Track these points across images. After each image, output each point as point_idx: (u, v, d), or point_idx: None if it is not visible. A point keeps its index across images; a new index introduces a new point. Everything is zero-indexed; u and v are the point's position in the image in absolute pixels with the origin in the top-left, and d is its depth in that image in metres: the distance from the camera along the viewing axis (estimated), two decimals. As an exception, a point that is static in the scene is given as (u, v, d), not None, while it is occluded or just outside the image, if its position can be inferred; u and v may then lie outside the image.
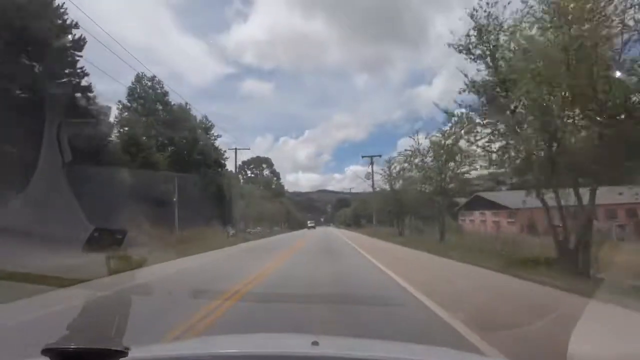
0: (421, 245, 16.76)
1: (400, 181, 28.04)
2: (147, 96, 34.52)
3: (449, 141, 15.65)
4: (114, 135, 26.37)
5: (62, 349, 0.89)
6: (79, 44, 19.59)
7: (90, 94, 20.85)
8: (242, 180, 67.05)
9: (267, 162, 73.61)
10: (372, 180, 37.79)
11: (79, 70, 19.93)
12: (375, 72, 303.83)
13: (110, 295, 4.95)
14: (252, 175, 71.72)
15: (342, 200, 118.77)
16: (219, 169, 40.65)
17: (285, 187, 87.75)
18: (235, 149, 34.04)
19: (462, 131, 10.11)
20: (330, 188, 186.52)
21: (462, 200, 55.36)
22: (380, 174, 31.10)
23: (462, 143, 12.34)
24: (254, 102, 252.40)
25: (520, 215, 28.32)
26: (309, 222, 77.27)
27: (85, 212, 11.06)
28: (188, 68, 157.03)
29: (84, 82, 20.18)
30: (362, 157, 38.44)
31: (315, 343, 1.51)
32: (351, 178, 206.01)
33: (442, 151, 17.13)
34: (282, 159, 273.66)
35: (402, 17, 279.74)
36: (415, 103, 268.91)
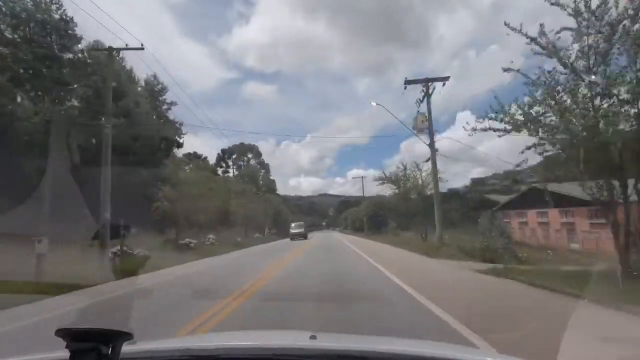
0: None
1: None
2: (28, 18, 21.00)
3: None
4: None
5: (73, 329, 0.96)
6: None
7: None
8: (220, 173, 53.27)
9: (253, 150, 59.00)
10: (430, 128, 19.15)
11: None
12: (378, 76, 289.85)
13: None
14: (235, 166, 57.65)
15: (344, 203, 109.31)
16: (162, 146, 27.16)
17: (286, 191, 71.75)
18: (114, 48, 15.89)
19: None
20: (332, 192, 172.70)
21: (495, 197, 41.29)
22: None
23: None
24: (256, 105, 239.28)
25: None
26: (293, 224, 44.62)
27: None
28: (189, 72, 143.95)
29: None
30: (406, 83, 19.58)
31: (313, 337, 1.50)
32: (352, 182, 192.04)
33: None
34: (284, 162, 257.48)
35: (405, 20, 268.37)
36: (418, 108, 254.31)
